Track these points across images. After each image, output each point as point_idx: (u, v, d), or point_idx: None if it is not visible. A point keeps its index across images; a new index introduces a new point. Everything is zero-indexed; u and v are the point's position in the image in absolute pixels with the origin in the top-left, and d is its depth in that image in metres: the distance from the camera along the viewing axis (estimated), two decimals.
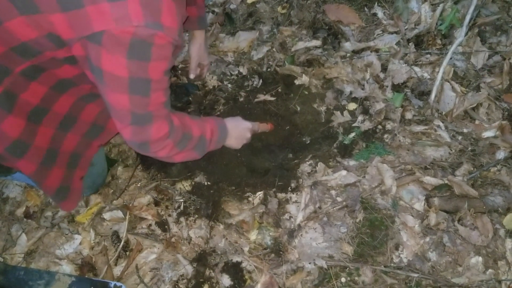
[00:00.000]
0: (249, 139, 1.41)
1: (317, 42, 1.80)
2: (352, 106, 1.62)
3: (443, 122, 1.56)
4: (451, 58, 1.67)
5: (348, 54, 1.77)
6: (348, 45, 1.80)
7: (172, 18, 0.85)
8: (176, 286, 1.28)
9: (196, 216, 1.40)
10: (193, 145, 1.16)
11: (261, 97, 1.64)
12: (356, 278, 1.27)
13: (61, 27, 0.84)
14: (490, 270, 1.28)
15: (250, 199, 1.43)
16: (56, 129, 1.14)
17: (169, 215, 1.40)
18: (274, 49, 1.81)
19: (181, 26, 0.90)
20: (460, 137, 1.54)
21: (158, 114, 0.99)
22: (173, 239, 1.36)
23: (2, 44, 0.89)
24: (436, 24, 1.82)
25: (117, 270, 1.33)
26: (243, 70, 1.75)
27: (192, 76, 1.59)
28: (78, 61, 0.93)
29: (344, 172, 1.44)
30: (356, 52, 1.78)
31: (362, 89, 1.65)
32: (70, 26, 0.83)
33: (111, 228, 1.40)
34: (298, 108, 1.62)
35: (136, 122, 0.98)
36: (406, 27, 1.85)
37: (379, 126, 1.56)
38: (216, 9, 1.99)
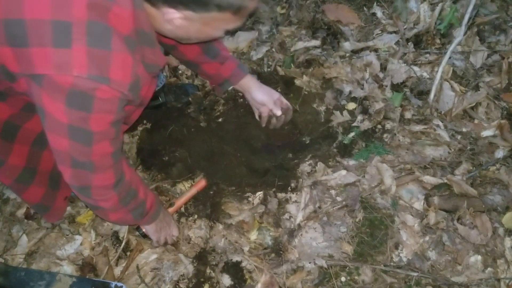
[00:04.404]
0: (168, 238, 1.33)
1: (317, 42, 1.81)
2: (351, 105, 1.63)
3: (442, 122, 1.57)
4: (450, 58, 1.67)
5: (347, 54, 1.77)
6: (347, 45, 1.80)
7: (123, 72, 0.81)
8: (177, 286, 1.29)
9: (196, 216, 1.40)
10: (135, 206, 1.12)
11: None
12: (356, 277, 1.27)
13: (9, 60, 0.82)
14: (489, 269, 1.29)
15: (250, 199, 1.43)
16: (31, 146, 1.13)
17: None
18: (273, 49, 1.82)
19: (136, 80, 0.86)
20: (459, 136, 1.54)
21: (102, 164, 0.95)
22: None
23: None
24: (435, 23, 1.82)
25: (118, 271, 1.33)
26: None
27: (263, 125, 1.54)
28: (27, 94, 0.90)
29: (343, 172, 1.44)
30: (355, 52, 1.78)
31: (362, 88, 1.66)
32: (16, 61, 0.81)
33: (111, 229, 1.41)
34: (298, 108, 1.62)
35: (77, 166, 0.94)
36: (405, 27, 1.85)
37: (379, 126, 1.57)
38: None
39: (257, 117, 1.56)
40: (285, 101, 1.51)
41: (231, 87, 1.50)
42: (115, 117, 0.87)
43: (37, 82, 0.80)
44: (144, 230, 1.31)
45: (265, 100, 1.47)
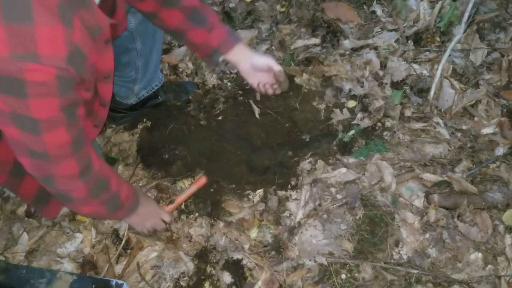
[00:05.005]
0: (157, 226, 1.29)
1: (316, 40, 1.81)
2: (351, 103, 1.63)
3: (442, 119, 1.57)
4: (449, 55, 1.67)
5: (347, 52, 1.77)
6: (347, 43, 1.80)
7: (53, 44, 0.72)
8: (177, 284, 1.29)
9: (197, 214, 1.40)
10: (108, 198, 1.07)
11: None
12: (356, 274, 1.28)
13: None
14: (489, 266, 1.29)
15: (250, 197, 1.43)
16: None
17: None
18: (273, 48, 1.82)
19: (75, 50, 0.75)
20: (459, 134, 1.54)
21: (59, 154, 0.88)
22: (173, 237, 1.37)
23: None
24: (435, 21, 1.82)
25: (118, 268, 1.33)
26: None
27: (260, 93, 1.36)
28: None
29: (343, 170, 1.44)
30: (355, 50, 1.78)
31: (361, 86, 1.66)
32: None
33: (112, 227, 1.41)
34: (298, 106, 1.62)
35: (34, 156, 0.87)
36: (404, 25, 1.85)
37: (379, 124, 1.57)
38: (215, 8, 2.00)
39: (255, 86, 1.33)
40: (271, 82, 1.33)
41: (222, 59, 1.26)
42: (62, 101, 0.78)
43: None
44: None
45: (269, 62, 1.26)
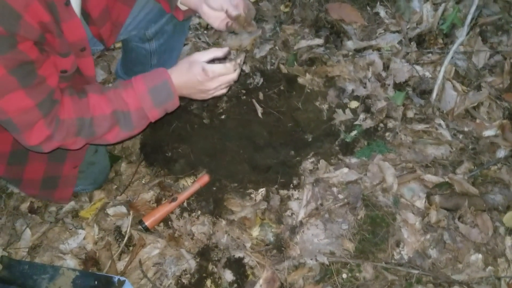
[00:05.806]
0: (218, 92, 1.11)
1: (320, 41, 1.82)
2: (354, 104, 1.63)
3: (444, 121, 1.57)
4: (452, 57, 1.68)
5: (350, 53, 1.78)
6: (350, 44, 1.81)
7: None
8: (179, 281, 1.29)
9: (199, 212, 1.41)
10: (111, 123, 0.96)
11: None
12: (357, 274, 1.28)
13: None
14: (489, 267, 1.30)
15: (252, 195, 1.44)
16: None
17: (172, 212, 1.41)
18: (276, 47, 1.82)
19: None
20: (461, 136, 1.55)
21: (25, 121, 0.83)
22: (176, 235, 1.38)
23: None
24: (438, 23, 1.83)
25: (120, 265, 1.34)
26: (246, 68, 1.76)
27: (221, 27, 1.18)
28: None
29: (345, 170, 1.45)
30: (358, 51, 1.79)
31: (364, 87, 1.67)
32: None
33: (114, 224, 1.41)
34: (300, 106, 1.63)
35: (7, 126, 0.83)
36: (408, 26, 1.86)
37: (381, 124, 1.57)
38: None
39: (217, 26, 1.21)
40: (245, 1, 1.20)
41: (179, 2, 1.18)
42: (5, 60, 0.73)
43: None
44: None
45: (224, 4, 1.15)
